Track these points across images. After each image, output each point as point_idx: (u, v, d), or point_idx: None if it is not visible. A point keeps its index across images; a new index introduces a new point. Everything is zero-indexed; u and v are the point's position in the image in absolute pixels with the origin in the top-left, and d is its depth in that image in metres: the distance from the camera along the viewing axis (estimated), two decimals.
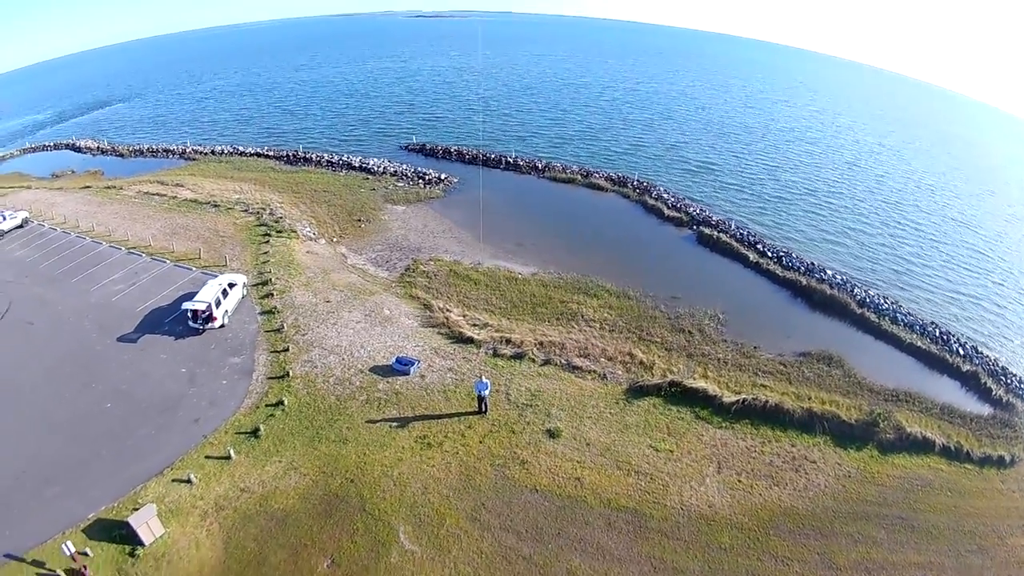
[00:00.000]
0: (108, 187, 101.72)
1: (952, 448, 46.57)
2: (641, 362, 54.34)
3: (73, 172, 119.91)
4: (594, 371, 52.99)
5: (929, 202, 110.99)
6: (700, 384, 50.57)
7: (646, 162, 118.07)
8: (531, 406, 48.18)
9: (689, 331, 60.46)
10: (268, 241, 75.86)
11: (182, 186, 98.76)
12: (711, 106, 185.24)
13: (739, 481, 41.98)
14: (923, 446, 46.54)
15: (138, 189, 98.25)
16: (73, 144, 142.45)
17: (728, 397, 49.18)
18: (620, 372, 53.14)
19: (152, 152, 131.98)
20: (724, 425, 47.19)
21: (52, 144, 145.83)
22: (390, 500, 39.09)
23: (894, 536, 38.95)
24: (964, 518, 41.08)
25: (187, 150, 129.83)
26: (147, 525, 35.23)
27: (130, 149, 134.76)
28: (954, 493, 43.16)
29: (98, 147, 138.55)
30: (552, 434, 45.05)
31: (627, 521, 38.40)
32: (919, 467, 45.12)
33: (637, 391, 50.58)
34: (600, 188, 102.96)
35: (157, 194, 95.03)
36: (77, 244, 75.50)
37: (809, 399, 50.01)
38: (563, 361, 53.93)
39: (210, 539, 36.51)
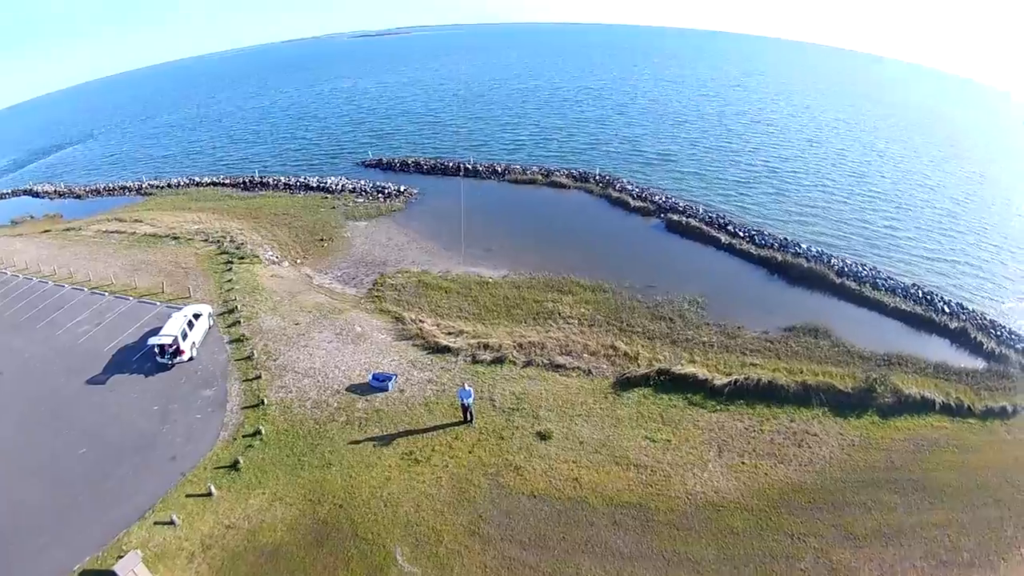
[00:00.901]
0: (67, 229, 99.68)
1: (952, 405, 46.57)
2: (625, 354, 53.13)
3: (32, 217, 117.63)
4: (578, 368, 51.72)
5: (893, 171, 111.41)
6: (689, 369, 49.51)
7: (604, 158, 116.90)
8: (518, 410, 46.71)
9: (670, 318, 59.64)
10: (231, 269, 73.97)
11: (140, 221, 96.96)
12: (664, 98, 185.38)
13: (742, 463, 40.91)
14: (923, 406, 46.39)
15: (97, 228, 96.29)
16: (30, 190, 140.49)
17: (719, 380, 48.16)
18: (605, 366, 51.93)
19: (109, 191, 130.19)
20: (719, 408, 46.24)
21: (10, 191, 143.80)
22: (383, 522, 37.26)
23: (907, 499, 38.40)
24: (975, 472, 40.85)
25: (143, 185, 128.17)
26: (133, 573, 33.00)
27: (87, 189, 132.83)
28: (961, 449, 42.94)
29: (55, 191, 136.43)
30: (543, 436, 43.57)
31: (633, 517, 36.96)
32: (922, 427, 44.87)
33: (625, 383, 49.39)
34: (562, 186, 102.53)
35: (116, 231, 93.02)
36: (39, 289, 73.38)
37: (801, 372, 49.39)
38: (545, 361, 52.56)
39: None
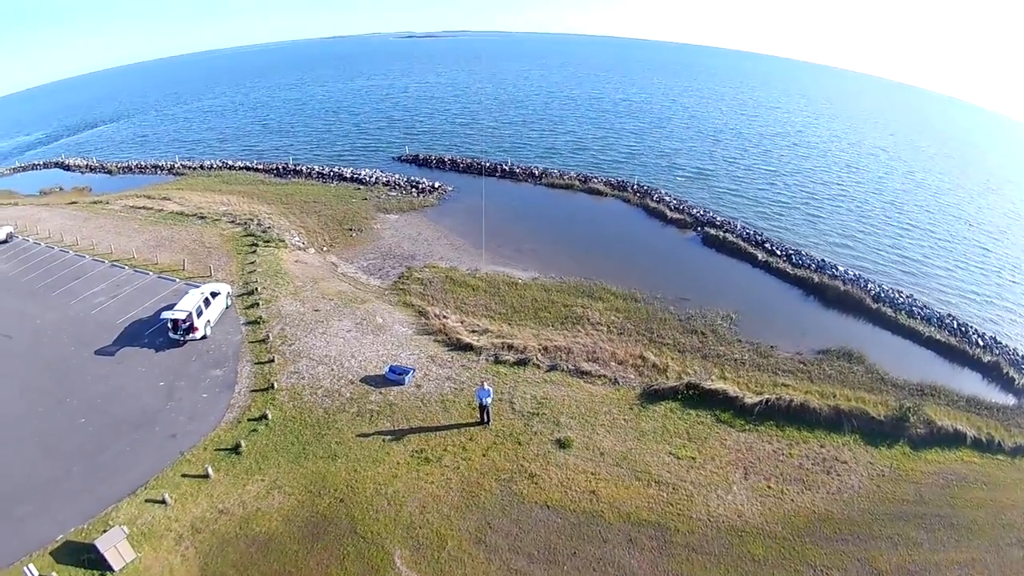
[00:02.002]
0: (94, 202, 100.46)
1: (983, 440, 45.14)
2: (654, 365, 51.36)
3: (61, 189, 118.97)
4: (604, 376, 49.89)
5: (932, 202, 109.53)
6: (719, 385, 47.63)
7: (641, 171, 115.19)
8: (538, 415, 44.91)
9: (702, 332, 58.00)
10: (255, 251, 73.42)
11: (169, 199, 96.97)
12: (703, 115, 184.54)
13: (768, 487, 38.91)
14: (954, 439, 44.86)
15: (124, 203, 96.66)
16: (62, 163, 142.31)
17: (750, 398, 46.27)
18: (632, 376, 50.14)
19: (140, 168, 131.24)
20: (748, 428, 44.31)
21: (41, 163, 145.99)
22: (384, 521, 35.55)
23: (934, 535, 36.64)
24: (1002, 511, 39.15)
25: (175, 165, 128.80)
26: (115, 549, 32.02)
27: (118, 166, 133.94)
28: (990, 486, 41.32)
29: (87, 165, 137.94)
30: (562, 444, 41.71)
31: (650, 536, 34.95)
32: (952, 461, 43.29)
33: (652, 395, 47.54)
34: (599, 193, 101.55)
35: (143, 208, 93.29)
36: (60, 258, 73.34)
37: (834, 397, 47.51)
38: (570, 366, 50.85)
39: (185, 565, 33.04)
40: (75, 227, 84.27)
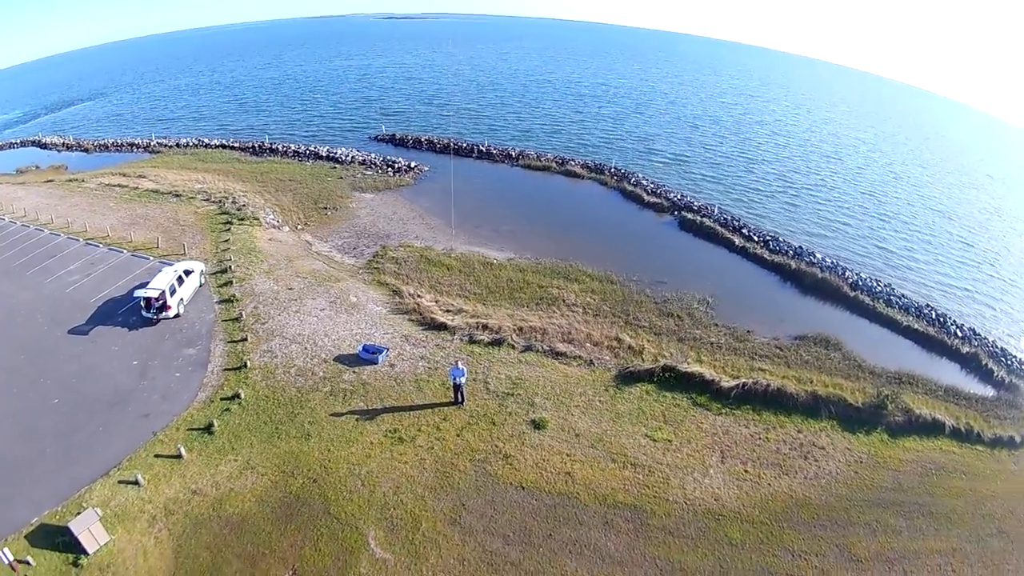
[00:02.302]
0: (70, 180, 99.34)
1: (962, 430, 45.03)
2: (630, 347, 50.98)
3: (38, 167, 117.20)
4: (579, 357, 49.52)
5: (911, 195, 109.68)
6: (695, 368, 47.27)
7: (618, 155, 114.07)
8: (513, 395, 44.47)
9: (678, 315, 57.64)
10: (229, 229, 72.63)
11: (144, 177, 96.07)
12: (681, 101, 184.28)
13: (745, 471, 38.71)
14: (932, 428, 44.71)
15: (100, 181, 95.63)
16: (39, 141, 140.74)
17: (727, 382, 45.98)
18: (608, 357, 49.75)
19: (117, 146, 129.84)
20: (724, 411, 44.08)
21: (19, 142, 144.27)
22: (357, 502, 35.04)
23: (913, 523, 36.57)
24: (982, 501, 39.27)
25: (152, 143, 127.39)
26: (89, 532, 31.27)
27: (95, 144, 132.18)
28: (969, 476, 41.45)
29: (63, 143, 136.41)
30: (537, 425, 41.31)
31: (626, 519, 34.64)
32: (931, 450, 43.18)
33: (627, 377, 47.14)
34: (576, 175, 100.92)
35: (118, 185, 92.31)
36: (35, 237, 72.23)
37: (811, 382, 47.28)
38: (545, 347, 50.39)
39: (159, 548, 32.34)
40: (51, 205, 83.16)
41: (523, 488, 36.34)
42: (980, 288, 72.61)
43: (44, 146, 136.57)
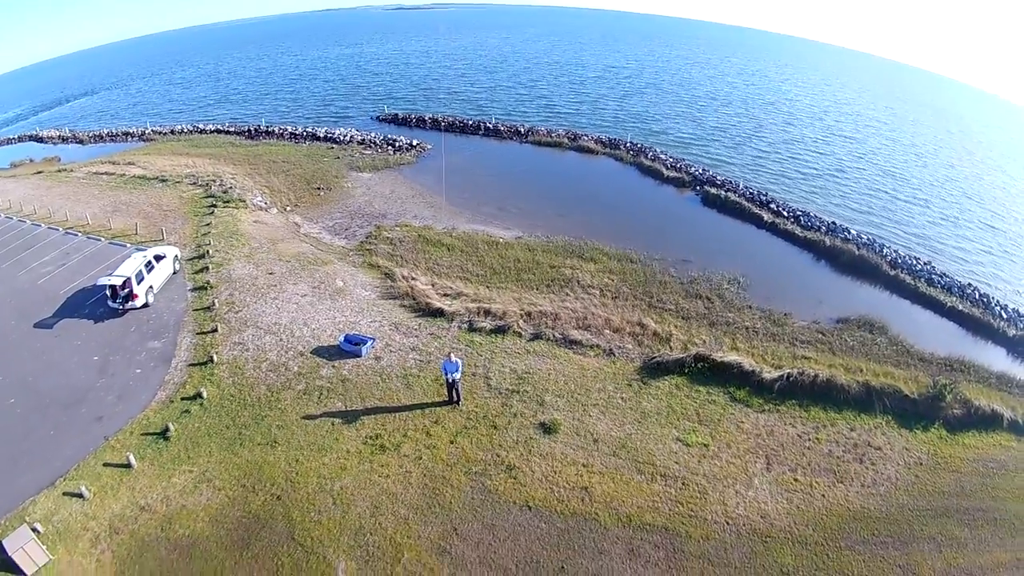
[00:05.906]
0: (59, 170, 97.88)
1: (1020, 422, 40.06)
2: (655, 333, 45.63)
3: (31, 161, 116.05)
4: (597, 345, 44.18)
5: (937, 176, 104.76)
6: (732, 357, 41.69)
7: (631, 134, 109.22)
8: (518, 392, 39.19)
9: (707, 297, 52.71)
10: (213, 212, 69.16)
11: (133, 164, 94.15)
12: (693, 81, 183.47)
13: (795, 480, 33.14)
14: (990, 421, 39.77)
15: (88, 170, 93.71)
16: (36, 135, 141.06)
17: (768, 373, 40.44)
18: (630, 346, 44.37)
19: (111, 136, 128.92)
20: (767, 408, 38.55)
21: (16, 137, 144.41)
22: (327, 525, 29.66)
23: (977, 533, 31.47)
24: None
25: (146, 131, 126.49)
26: (24, 551, 27.31)
27: (90, 135, 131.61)
28: None
29: (59, 136, 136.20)
30: (548, 429, 35.92)
31: (656, 544, 29.01)
32: (990, 446, 38.37)
33: (654, 369, 41.72)
34: (590, 151, 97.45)
35: (106, 173, 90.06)
36: (16, 228, 69.50)
37: (861, 371, 42.04)
38: (557, 335, 45.05)
39: (100, 572, 27.75)
40: (37, 196, 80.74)
41: (530, 508, 30.92)
42: (1012, 269, 68.23)
43: (41, 140, 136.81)
